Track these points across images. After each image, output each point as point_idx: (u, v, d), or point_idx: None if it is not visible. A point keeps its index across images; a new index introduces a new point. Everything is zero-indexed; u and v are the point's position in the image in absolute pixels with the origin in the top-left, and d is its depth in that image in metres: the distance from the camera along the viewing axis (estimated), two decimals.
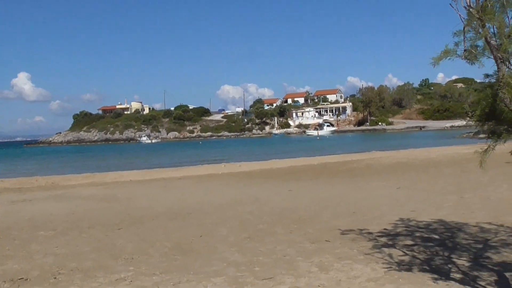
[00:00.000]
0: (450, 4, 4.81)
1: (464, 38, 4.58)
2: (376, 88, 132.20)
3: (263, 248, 8.99)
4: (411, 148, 40.90)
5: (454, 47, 4.71)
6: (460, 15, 4.63)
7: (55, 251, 9.51)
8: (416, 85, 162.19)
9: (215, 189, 19.51)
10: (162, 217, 13.00)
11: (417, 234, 9.28)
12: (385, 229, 9.88)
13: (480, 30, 4.68)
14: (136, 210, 14.48)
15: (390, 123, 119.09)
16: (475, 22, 4.78)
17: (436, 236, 8.99)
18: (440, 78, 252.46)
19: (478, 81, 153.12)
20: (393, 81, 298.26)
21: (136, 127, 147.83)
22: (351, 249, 8.47)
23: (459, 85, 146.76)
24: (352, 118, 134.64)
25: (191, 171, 30.21)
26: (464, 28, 4.61)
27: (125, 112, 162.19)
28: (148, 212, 14.00)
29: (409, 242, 8.63)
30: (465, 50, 4.63)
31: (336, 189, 17.37)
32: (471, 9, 4.76)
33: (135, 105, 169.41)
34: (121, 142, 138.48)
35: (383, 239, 9.01)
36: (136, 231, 11.12)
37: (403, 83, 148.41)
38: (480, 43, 4.91)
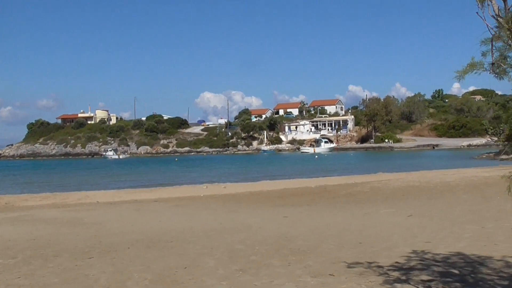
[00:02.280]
0: (476, 12, 5.11)
1: (492, 50, 4.87)
2: (382, 99, 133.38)
3: (258, 282, 9.18)
4: (423, 170, 41.39)
5: (481, 59, 4.99)
6: (488, 25, 4.92)
7: (17, 283, 9.63)
8: (428, 96, 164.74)
9: (197, 214, 19.69)
10: (138, 245, 13.15)
11: (434, 268, 9.51)
12: (397, 262, 10.11)
13: (511, 42, 4.97)
14: (108, 236, 14.62)
15: (398, 140, 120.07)
16: (503, 33, 5.07)
17: (456, 271, 9.24)
18: (456, 89, 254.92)
19: (500, 93, 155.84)
20: (401, 92, 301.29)
21: (101, 139, 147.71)
22: (358, 285, 8.69)
23: (478, 97, 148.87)
24: (354, 134, 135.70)
25: (167, 193, 30.36)
26: (492, 39, 4.90)
27: (89, 122, 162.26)
28: (122, 239, 14.14)
29: (425, 278, 8.86)
30: (493, 64, 4.91)
31: (338, 216, 17.62)
32: (499, 19, 5.05)
33: (100, 114, 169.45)
34: (84, 157, 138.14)
35: (395, 274, 9.23)
36: (110, 261, 11.27)
37: (413, 94, 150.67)
38: (511, 54, 5.19)
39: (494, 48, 5.13)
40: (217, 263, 10.74)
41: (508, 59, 5.20)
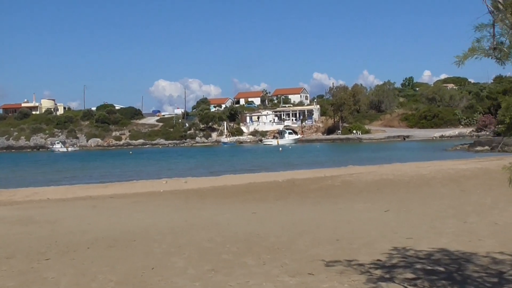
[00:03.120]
0: None
1: (494, 34, 4.94)
2: (349, 88, 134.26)
3: (233, 282, 9.19)
4: (396, 162, 41.85)
5: (480, 43, 5.06)
6: (488, 6, 4.99)
7: None
8: (398, 84, 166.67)
9: (159, 210, 19.65)
10: (99, 244, 13.06)
11: (418, 265, 9.66)
12: (378, 259, 10.23)
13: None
14: (64, 235, 14.48)
15: (367, 131, 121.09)
16: (503, 16, 5.14)
17: (441, 268, 9.40)
18: (427, 76, 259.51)
19: (473, 81, 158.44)
20: (369, 80, 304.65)
21: (47, 131, 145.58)
22: (341, 284, 8.76)
23: (450, 85, 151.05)
24: (320, 125, 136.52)
25: (124, 188, 30.19)
26: (493, 23, 4.97)
27: (33, 112, 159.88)
28: (80, 238, 14.02)
29: (410, 276, 8.99)
30: (494, 48, 4.99)
31: (310, 211, 17.75)
32: (499, 3, 5.12)
33: (46, 104, 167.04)
34: (28, 150, 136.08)
35: (378, 272, 9.34)
36: (70, 262, 11.16)
37: (382, 82, 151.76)
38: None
39: (491, 34, 5.21)
40: (186, 263, 10.72)
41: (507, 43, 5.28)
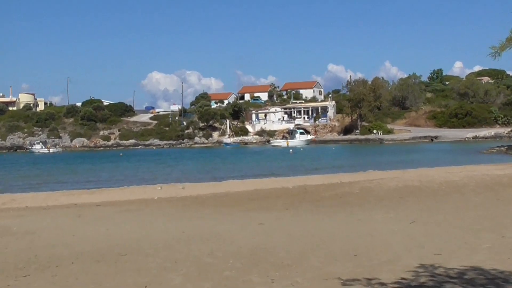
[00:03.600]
0: None
1: None
2: (369, 82, 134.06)
3: None
4: (423, 167, 41.74)
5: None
6: None
7: None
8: (425, 78, 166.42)
9: (153, 220, 19.66)
10: (84, 258, 13.09)
11: (448, 286, 9.63)
12: (402, 278, 10.23)
13: None
14: (45, 248, 14.52)
15: (389, 131, 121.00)
16: None
17: None
18: (458, 69, 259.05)
19: (511, 74, 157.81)
20: (392, 72, 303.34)
21: (26, 130, 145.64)
22: None
23: (485, 79, 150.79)
24: (336, 123, 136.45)
25: (113, 195, 30.20)
26: None
27: (10, 108, 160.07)
28: (63, 251, 14.06)
29: None
30: None
31: (324, 222, 17.74)
32: None
33: (24, 98, 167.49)
34: (4, 151, 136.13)
35: None
36: (51, 279, 11.20)
37: (406, 76, 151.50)
38: None
39: None
40: (184, 280, 10.75)
41: None
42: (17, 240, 16.19)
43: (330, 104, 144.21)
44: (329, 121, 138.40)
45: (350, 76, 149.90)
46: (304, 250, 13.28)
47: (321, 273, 10.94)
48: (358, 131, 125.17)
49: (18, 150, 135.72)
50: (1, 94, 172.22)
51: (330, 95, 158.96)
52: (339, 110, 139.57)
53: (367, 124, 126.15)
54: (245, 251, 13.31)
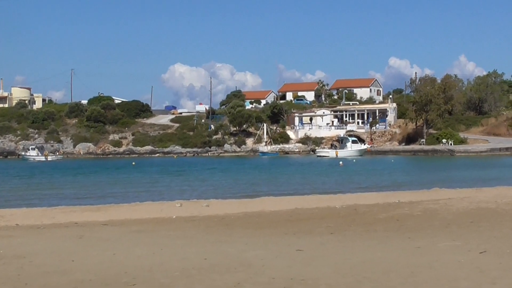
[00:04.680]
0: None
1: None
2: (438, 80, 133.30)
3: None
4: (502, 185, 41.54)
5: None
6: None
7: None
8: (508, 76, 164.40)
9: (169, 244, 19.80)
10: None
11: None
12: None
13: None
14: (38, 276, 14.70)
15: (462, 141, 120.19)
16: None
17: None
18: None
19: None
20: (468, 69, 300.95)
21: (19, 132, 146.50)
22: None
23: None
24: (397, 130, 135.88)
25: (122, 213, 30.50)
26: None
27: (0, 105, 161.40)
28: (59, 280, 14.24)
29: None
30: None
31: (377, 250, 17.76)
32: None
33: (18, 94, 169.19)
34: None
35: None
36: None
37: (485, 73, 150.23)
38: None
39: None
40: None
41: None
42: (4, 265, 16.31)
43: (390, 106, 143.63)
44: (388, 128, 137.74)
45: (416, 73, 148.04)
46: (350, 282, 13.37)
47: None
48: (423, 140, 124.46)
49: (8, 157, 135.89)
50: None
51: (390, 96, 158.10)
52: (401, 115, 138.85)
53: (435, 132, 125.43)
54: (279, 283, 13.41)
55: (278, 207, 31.06)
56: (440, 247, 17.93)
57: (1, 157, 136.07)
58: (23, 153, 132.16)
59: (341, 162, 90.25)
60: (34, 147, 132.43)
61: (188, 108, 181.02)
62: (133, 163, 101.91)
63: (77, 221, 26.92)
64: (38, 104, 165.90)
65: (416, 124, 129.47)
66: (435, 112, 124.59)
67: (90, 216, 28.88)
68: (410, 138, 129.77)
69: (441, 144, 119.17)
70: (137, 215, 29.16)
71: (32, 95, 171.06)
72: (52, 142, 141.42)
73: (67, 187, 54.49)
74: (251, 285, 13.34)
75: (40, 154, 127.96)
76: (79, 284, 13.68)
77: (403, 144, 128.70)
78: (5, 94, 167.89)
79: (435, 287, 12.72)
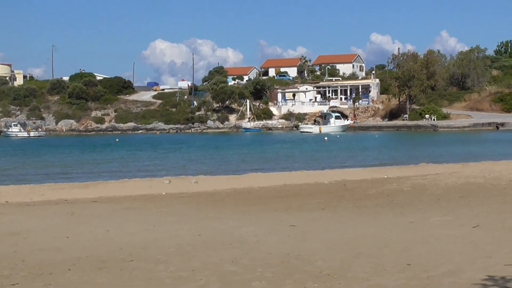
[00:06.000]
0: None
1: None
2: (421, 56, 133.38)
3: None
4: (487, 160, 41.82)
5: None
6: None
7: None
8: (490, 51, 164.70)
9: (161, 220, 19.87)
10: (83, 265, 13.33)
11: None
12: None
13: None
14: (34, 253, 14.77)
15: (445, 116, 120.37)
16: None
17: None
18: None
19: None
20: (450, 44, 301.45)
21: (0, 108, 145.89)
22: None
23: None
24: (380, 106, 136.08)
25: (111, 189, 30.57)
26: None
27: None
28: (55, 256, 14.31)
29: None
30: None
31: (369, 225, 17.86)
32: None
33: None
34: None
35: None
36: None
37: (468, 48, 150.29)
38: None
39: None
40: None
41: None
42: None
43: (373, 82, 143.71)
44: (371, 103, 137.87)
45: (399, 48, 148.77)
46: (345, 258, 13.45)
47: (368, 286, 11.09)
48: (406, 115, 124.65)
49: None
50: None
51: (373, 72, 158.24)
52: (384, 90, 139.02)
53: (417, 107, 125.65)
54: (275, 259, 13.49)
55: (267, 183, 31.14)
56: (432, 222, 18.03)
57: None
58: (5, 130, 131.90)
59: (326, 138, 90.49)
60: (16, 123, 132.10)
61: (170, 84, 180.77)
62: (117, 139, 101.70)
63: (66, 198, 26.97)
64: (19, 81, 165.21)
65: (399, 99, 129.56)
66: (418, 88, 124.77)
67: (79, 193, 28.89)
68: (393, 114, 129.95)
69: (424, 120, 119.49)
70: (126, 191, 29.21)
71: (12, 71, 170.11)
72: (34, 119, 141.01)
73: (52, 163, 54.44)
74: (248, 260, 13.39)
75: (22, 131, 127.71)
76: (76, 261, 13.71)
77: (386, 119, 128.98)
78: None
79: (430, 261, 12.75)
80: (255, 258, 13.59)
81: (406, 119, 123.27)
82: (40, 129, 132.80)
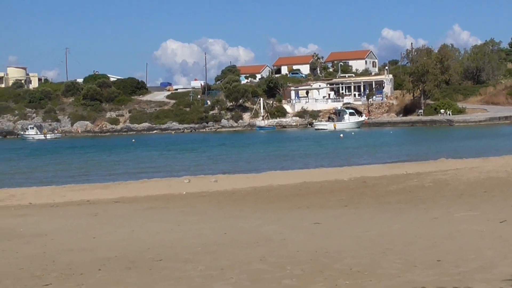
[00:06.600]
0: None
1: None
2: (435, 50, 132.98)
3: None
4: (507, 154, 41.71)
5: None
6: None
7: None
8: (505, 44, 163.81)
9: (184, 220, 19.99)
10: (112, 265, 13.38)
11: None
12: None
13: None
14: (63, 254, 14.86)
15: (460, 111, 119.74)
16: None
17: None
18: None
19: None
20: (463, 38, 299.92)
21: (16, 111, 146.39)
22: None
23: None
24: (394, 102, 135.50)
25: (131, 190, 30.76)
26: None
27: None
28: (85, 257, 14.36)
29: None
30: None
31: (393, 222, 17.85)
32: None
33: (13, 73, 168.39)
34: None
35: None
36: None
37: (481, 42, 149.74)
38: None
39: None
40: None
41: None
42: (27, 243, 16.53)
43: (387, 78, 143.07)
44: (385, 99, 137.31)
45: (411, 43, 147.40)
46: (374, 254, 13.41)
47: (400, 282, 11.05)
48: (421, 111, 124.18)
49: (7, 136, 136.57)
50: None
51: (386, 68, 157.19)
52: (397, 86, 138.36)
53: (432, 102, 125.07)
54: (303, 256, 13.47)
55: (286, 181, 31.23)
56: (457, 217, 18.02)
57: (0, 137, 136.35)
58: (22, 133, 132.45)
59: (341, 135, 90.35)
60: (32, 126, 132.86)
61: (183, 84, 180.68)
62: (133, 140, 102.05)
63: (88, 199, 27.26)
64: (34, 84, 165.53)
65: (413, 95, 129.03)
66: (432, 83, 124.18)
67: (101, 194, 29.18)
68: (407, 109, 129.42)
69: (440, 115, 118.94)
70: (147, 191, 29.42)
71: (28, 74, 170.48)
72: (50, 121, 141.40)
73: (69, 165, 54.71)
74: (275, 258, 13.37)
75: (39, 133, 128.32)
76: (105, 261, 13.78)
77: (401, 115, 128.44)
78: (1, 74, 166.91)
79: (460, 257, 12.72)
80: (283, 256, 13.58)
81: (421, 114, 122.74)
82: (56, 131, 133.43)
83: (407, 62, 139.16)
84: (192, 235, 16.91)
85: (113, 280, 12.02)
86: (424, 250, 13.61)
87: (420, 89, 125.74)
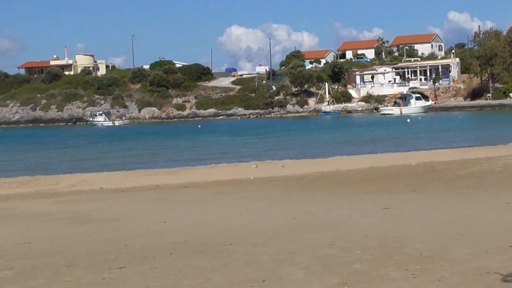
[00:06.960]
0: None
1: None
2: (503, 33, 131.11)
3: None
4: None
5: None
6: None
7: None
8: None
9: (254, 205, 20.06)
10: (183, 249, 13.53)
11: None
12: None
13: None
14: (135, 238, 15.07)
15: None
16: None
17: None
18: None
19: None
20: None
21: (85, 98, 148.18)
22: None
23: None
24: (461, 86, 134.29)
25: (199, 175, 30.98)
26: None
27: (66, 73, 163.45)
28: (156, 241, 14.56)
29: None
30: None
31: (463, 207, 17.71)
32: None
33: (82, 61, 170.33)
34: (62, 124, 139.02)
35: None
36: (151, 272, 11.63)
37: None
38: None
39: None
40: (307, 275, 10.98)
41: None
42: (100, 228, 16.80)
43: (453, 62, 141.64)
44: (452, 83, 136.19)
45: (479, 26, 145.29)
46: (443, 240, 13.32)
47: (472, 268, 10.98)
48: (489, 95, 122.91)
49: (77, 123, 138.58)
50: (55, 56, 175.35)
51: (453, 51, 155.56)
52: (464, 70, 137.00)
53: (501, 86, 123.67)
54: (373, 241, 13.45)
55: (353, 166, 31.18)
56: None
57: (70, 123, 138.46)
58: (90, 119, 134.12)
59: (408, 120, 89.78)
60: (101, 112, 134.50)
61: (247, 70, 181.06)
62: (199, 126, 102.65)
63: (157, 184, 27.55)
64: (102, 71, 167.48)
65: (481, 78, 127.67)
66: (501, 66, 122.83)
67: (169, 179, 29.50)
68: (475, 93, 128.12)
69: (509, 98, 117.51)
70: (215, 177, 29.61)
71: (95, 61, 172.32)
72: (117, 107, 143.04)
73: (138, 151, 55.43)
74: (345, 243, 13.38)
75: (107, 120, 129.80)
76: (176, 245, 13.93)
77: (468, 99, 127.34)
78: (70, 61, 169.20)
79: None
80: (352, 241, 13.58)
81: (489, 98, 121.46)
82: (124, 117, 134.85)
83: (474, 45, 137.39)
84: (261, 219, 16.98)
85: (185, 264, 12.15)
86: (496, 235, 13.47)
87: (488, 72, 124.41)
